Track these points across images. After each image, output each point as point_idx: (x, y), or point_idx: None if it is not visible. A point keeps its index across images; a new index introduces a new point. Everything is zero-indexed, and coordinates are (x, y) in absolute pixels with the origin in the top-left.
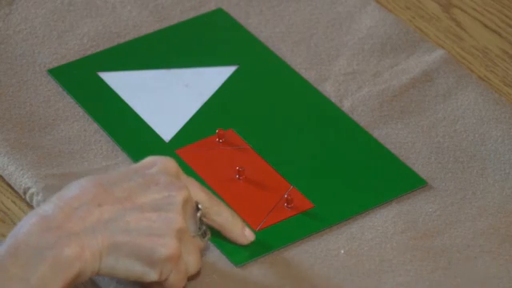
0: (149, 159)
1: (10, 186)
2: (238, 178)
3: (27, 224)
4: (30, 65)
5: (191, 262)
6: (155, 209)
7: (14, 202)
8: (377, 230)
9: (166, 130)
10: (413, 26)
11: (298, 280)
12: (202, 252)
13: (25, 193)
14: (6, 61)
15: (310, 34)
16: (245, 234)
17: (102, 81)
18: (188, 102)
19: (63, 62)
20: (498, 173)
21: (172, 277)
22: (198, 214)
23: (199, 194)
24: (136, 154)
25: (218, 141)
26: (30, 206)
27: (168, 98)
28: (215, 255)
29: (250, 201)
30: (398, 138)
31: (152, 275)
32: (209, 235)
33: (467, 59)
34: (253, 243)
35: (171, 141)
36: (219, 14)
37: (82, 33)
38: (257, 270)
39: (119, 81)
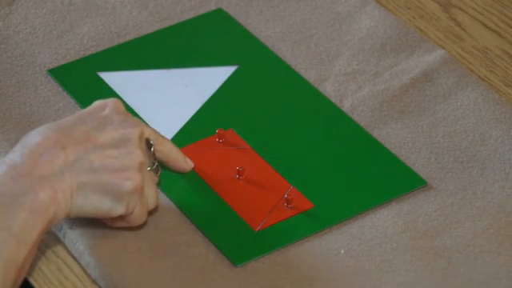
0: (98, 102)
1: None
2: (238, 178)
3: None
4: (29, 65)
5: (151, 195)
6: (115, 146)
7: None
8: (377, 229)
9: (166, 130)
10: (413, 25)
11: (298, 280)
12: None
13: None
14: (5, 61)
15: (310, 33)
16: (187, 162)
17: (102, 81)
18: (188, 102)
19: (63, 62)
20: (497, 173)
21: (136, 209)
22: (152, 149)
23: (148, 130)
24: None
25: (218, 141)
26: None
27: (168, 98)
28: (215, 255)
29: (250, 201)
30: (398, 138)
31: (119, 209)
32: (160, 171)
33: (467, 59)
34: (253, 243)
35: (171, 141)
36: (219, 14)
37: (82, 33)
38: (257, 270)
39: (119, 81)
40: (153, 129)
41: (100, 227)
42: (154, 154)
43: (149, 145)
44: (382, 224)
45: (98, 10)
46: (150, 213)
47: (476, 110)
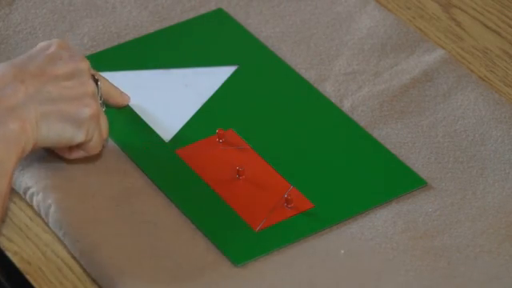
0: (41, 44)
1: None
2: (238, 178)
3: None
4: None
5: (104, 124)
6: (69, 78)
7: (14, 202)
8: (377, 230)
9: (166, 130)
10: (413, 25)
11: (298, 280)
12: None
13: (25, 193)
14: (6, 61)
15: (310, 33)
16: (122, 96)
17: None
18: (188, 102)
19: None
20: (497, 173)
21: (95, 137)
22: (99, 84)
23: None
24: (136, 154)
25: (218, 141)
26: (30, 206)
27: (168, 98)
28: (215, 255)
29: (250, 201)
30: (397, 138)
31: (80, 135)
32: (104, 107)
33: (467, 59)
34: (253, 243)
35: (171, 141)
36: (219, 14)
37: (82, 33)
38: (257, 270)
39: (119, 81)
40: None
41: (100, 226)
42: (100, 88)
43: (95, 80)
44: (382, 224)
45: (98, 10)
46: (151, 213)
47: (476, 110)
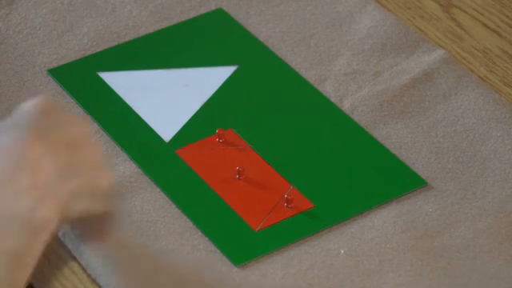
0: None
1: None
2: (238, 178)
3: None
4: (29, 65)
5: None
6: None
7: None
8: (377, 230)
9: (166, 130)
10: (413, 26)
11: (298, 280)
12: None
13: None
14: (5, 61)
15: (310, 33)
16: None
17: (102, 81)
18: (188, 102)
19: (63, 62)
20: (497, 173)
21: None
22: None
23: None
24: (136, 154)
25: (218, 141)
26: None
27: (168, 98)
28: (215, 255)
29: (250, 201)
30: (398, 137)
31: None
32: None
33: (467, 59)
34: (253, 243)
35: (171, 141)
36: (219, 14)
37: (82, 33)
38: (257, 270)
39: (119, 81)
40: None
41: (100, 226)
42: None
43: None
44: (382, 224)
45: (98, 10)
46: (150, 212)
47: (476, 110)
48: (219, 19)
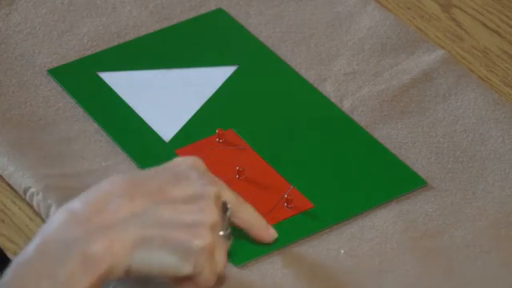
0: (177, 159)
1: (9, 186)
2: (238, 178)
3: (56, 220)
4: (29, 65)
5: (220, 259)
6: (188, 202)
7: (14, 202)
8: (377, 230)
9: (166, 130)
10: (413, 26)
11: (298, 280)
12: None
13: (25, 193)
14: (6, 61)
15: (310, 33)
16: (269, 231)
17: (102, 81)
18: (188, 102)
19: (63, 62)
20: (497, 173)
21: (205, 271)
22: (228, 213)
23: (227, 192)
24: (136, 154)
25: (218, 141)
26: (30, 206)
27: (168, 98)
28: None
29: (250, 201)
30: (398, 138)
31: (186, 267)
32: (232, 239)
33: (467, 59)
34: (253, 243)
35: (171, 141)
36: (219, 14)
37: (82, 33)
38: (257, 270)
39: (119, 81)
40: (234, 192)
41: None
42: (229, 218)
43: (224, 208)
44: (382, 224)
45: (98, 10)
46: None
47: (476, 110)
48: (219, 19)
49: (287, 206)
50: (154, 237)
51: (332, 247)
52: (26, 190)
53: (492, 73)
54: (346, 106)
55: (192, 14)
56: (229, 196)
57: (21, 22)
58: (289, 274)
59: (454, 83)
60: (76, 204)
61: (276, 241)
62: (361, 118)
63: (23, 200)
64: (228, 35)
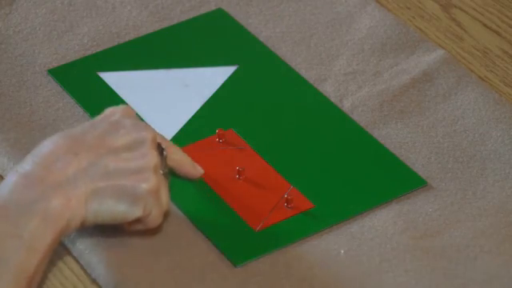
0: (108, 109)
1: None
2: (238, 178)
3: (9, 184)
4: (29, 65)
5: (164, 197)
6: (129, 149)
7: None
8: (377, 230)
9: (166, 130)
10: (413, 26)
11: (298, 280)
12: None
13: None
14: (5, 61)
15: (310, 33)
16: (196, 168)
17: (101, 81)
18: (188, 102)
19: (63, 62)
20: (497, 173)
21: (154, 211)
22: (164, 153)
23: (159, 136)
24: None
25: (218, 141)
26: None
27: (168, 97)
28: (215, 255)
29: (250, 201)
30: (398, 138)
31: (136, 211)
32: (169, 177)
33: (467, 59)
34: (253, 243)
35: (171, 141)
36: (219, 14)
37: (82, 33)
38: (257, 270)
39: (119, 81)
40: (162, 135)
41: (99, 227)
42: (165, 159)
43: (160, 150)
44: (382, 224)
45: (98, 10)
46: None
47: (476, 110)
48: (219, 19)
49: (287, 206)
50: (104, 188)
51: (332, 247)
52: None
53: (492, 73)
54: (345, 105)
55: (192, 14)
56: (160, 138)
57: (21, 21)
58: (289, 273)
59: (454, 83)
60: (25, 166)
61: (276, 241)
62: (361, 118)
63: None
64: (228, 35)
